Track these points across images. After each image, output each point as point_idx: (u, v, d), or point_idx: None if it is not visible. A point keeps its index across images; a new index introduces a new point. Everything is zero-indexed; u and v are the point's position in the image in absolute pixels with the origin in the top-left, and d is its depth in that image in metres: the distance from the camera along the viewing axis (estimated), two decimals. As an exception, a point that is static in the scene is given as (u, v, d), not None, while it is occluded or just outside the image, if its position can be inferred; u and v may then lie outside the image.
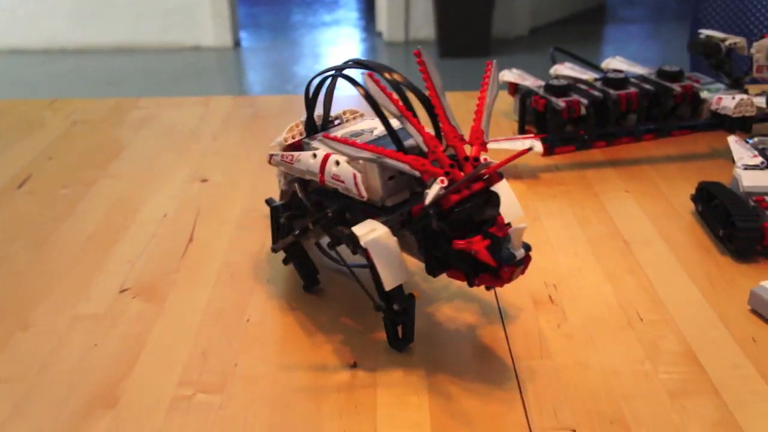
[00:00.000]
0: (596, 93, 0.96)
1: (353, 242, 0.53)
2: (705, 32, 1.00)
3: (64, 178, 0.91)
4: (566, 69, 1.05)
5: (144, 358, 0.59)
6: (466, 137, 0.54)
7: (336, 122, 0.66)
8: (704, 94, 0.97)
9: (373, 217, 0.55)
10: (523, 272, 0.53)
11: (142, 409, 0.54)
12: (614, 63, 1.07)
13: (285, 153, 0.61)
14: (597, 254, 0.73)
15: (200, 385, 0.56)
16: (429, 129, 0.54)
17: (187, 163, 0.95)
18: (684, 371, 0.57)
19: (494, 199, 0.51)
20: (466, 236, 0.50)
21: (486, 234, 0.50)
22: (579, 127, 0.95)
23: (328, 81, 0.61)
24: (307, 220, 0.60)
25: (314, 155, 0.58)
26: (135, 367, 0.58)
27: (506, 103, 1.12)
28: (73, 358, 0.59)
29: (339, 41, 4.34)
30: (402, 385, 0.56)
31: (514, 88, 1.05)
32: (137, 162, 0.96)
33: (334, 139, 0.51)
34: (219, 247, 0.75)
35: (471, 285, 0.53)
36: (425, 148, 0.52)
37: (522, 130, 1.01)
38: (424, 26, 4.13)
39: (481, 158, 0.52)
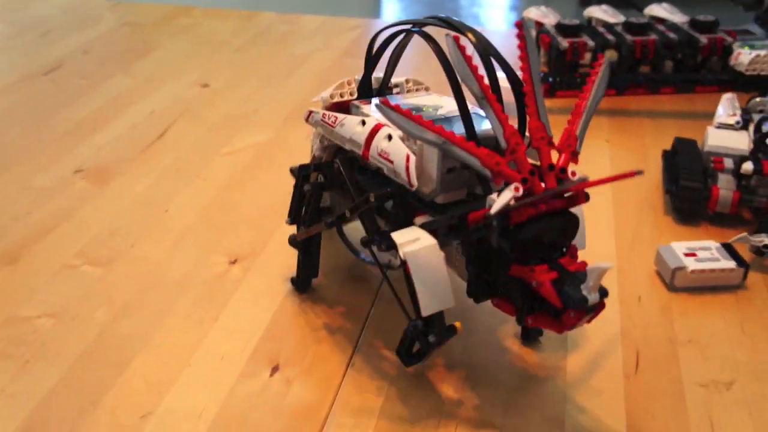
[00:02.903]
0: (610, 37, 0.90)
1: (387, 243, 0.44)
2: (752, -19, 0.90)
3: (87, 71, 0.99)
4: (598, 10, 0.99)
5: (60, 229, 0.65)
6: (556, 140, 0.43)
7: (395, 90, 0.55)
8: (738, 49, 0.88)
9: (419, 213, 0.46)
10: (589, 321, 0.41)
11: (32, 271, 0.60)
12: (657, 9, 1.00)
13: (327, 113, 0.51)
14: (532, 196, 0.70)
15: (91, 258, 0.61)
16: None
17: (199, 70, 1.00)
18: (544, 316, 0.55)
19: (572, 223, 0.42)
20: (528, 261, 0.41)
21: (553, 264, 0.41)
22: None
23: (400, 37, 0.50)
24: (337, 201, 0.53)
25: (363, 122, 0.48)
26: (48, 235, 0.64)
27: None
28: (4, 220, 0.66)
29: (481, -20, 4.23)
30: (263, 284, 0.58)
31: (539, 27, 1.01)
32: (157, 64, 1.02)
33: (396, 108, 0.41)
34: (181, 145, 0.80)
35: (520, 323, 0.44)
36: (504, 144, 0.41)
37: (535, 70, 0.97)
38: (570, -30, 3.93)
39: (569, 170, 0.42)
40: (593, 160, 0.77)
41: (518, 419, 0.46)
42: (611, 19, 0.96)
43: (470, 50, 0.42)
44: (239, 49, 1.08)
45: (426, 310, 0.43)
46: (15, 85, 0.94)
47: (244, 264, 0.61)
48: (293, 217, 0.55)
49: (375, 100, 0.52)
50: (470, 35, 0.44)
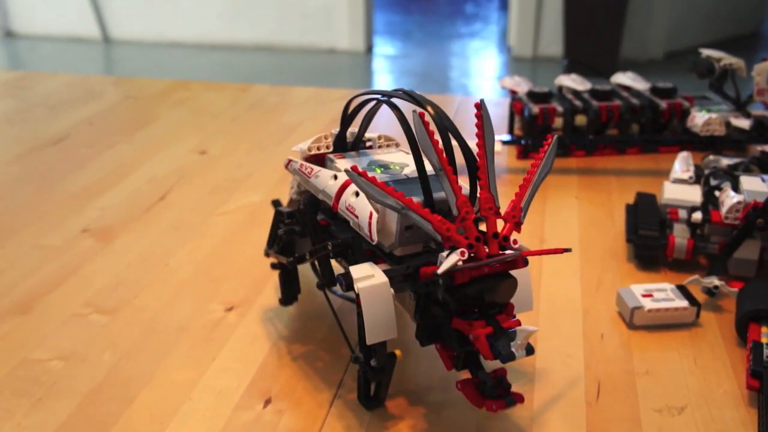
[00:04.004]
0: (577, 102, 0.98)
1: (347, 283, 0.48)
2: (705, 51, 0.99)
3: (92, 140, 1.06)
4: (567, 79, 1.07)
5: (69, 282, 0.71)
6: (503, 210, 0.48)
7: (368, 144, 0.61)
8: (694, 112, 0.96)
9: (378, 261, 0.51)
10: (506, 407, 0.48)
11: (44, 319, 0.65)
12: (622, 78, 1.08)
13: (305, 163, 0.57)
14: (505, 247, 0.76)
15: (99, 307, 0.67)
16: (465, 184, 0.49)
17: (197, 138, 1.07)
18: (514, 353, 0.60)
19: (511, 285, 0.47)
20: (469, 315, 0.46)
21: (490, 320, 0.46)
22: (566, 135, 0.98)
23: (372, 103, 0.56)
24: (305, 242, 0.58)
25: (335, 177, 0.53)
26: (59, 288, 0.70)
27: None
28: (17, 275, 0.72)
29: (468, 54, 4.40)
30: (257, 329, 0.63)
31: (513, 94, 1.09)
32: (157, 133, 1.09)
33: (363, 175, 0.45)
34: (181, 207, 0.86)
35: (458, 369, 0.49)
36: (456, 212, 0.46)
37: (510, 133, 1.05)
38: (553, 43, 4.10)
39: (511, 239, 0.46)
40: (559, 215, 0.83)
41: (489, 442, 0.51)
42: (579, 87, 1.04)
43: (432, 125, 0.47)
44: (234, 119, 1.15)
45: (370, 340, 0.48)
46: (26, 154, 1.01)
47: (240, 311, 0.66)
48: (270, 247, 0.63)
49: (346, 161, 0.57)
50: (430, 109, 0.48)
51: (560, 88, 1.09)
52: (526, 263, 0.47)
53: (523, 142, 0.97)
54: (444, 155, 0.47)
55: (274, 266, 0.65)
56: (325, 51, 4.35)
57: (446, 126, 0.48)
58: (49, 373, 0.58)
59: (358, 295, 0.47)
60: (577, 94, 1.02)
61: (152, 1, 4.24)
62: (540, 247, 0.76)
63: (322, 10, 4.26)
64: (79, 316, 0.65)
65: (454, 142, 0.49)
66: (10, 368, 0.58)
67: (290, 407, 0.54)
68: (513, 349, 0.45)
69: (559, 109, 0.97)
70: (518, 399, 0.48)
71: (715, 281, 0.65)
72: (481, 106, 0.48)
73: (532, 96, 0.99)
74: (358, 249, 0.52)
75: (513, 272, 0.47)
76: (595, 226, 0.81)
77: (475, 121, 0.48)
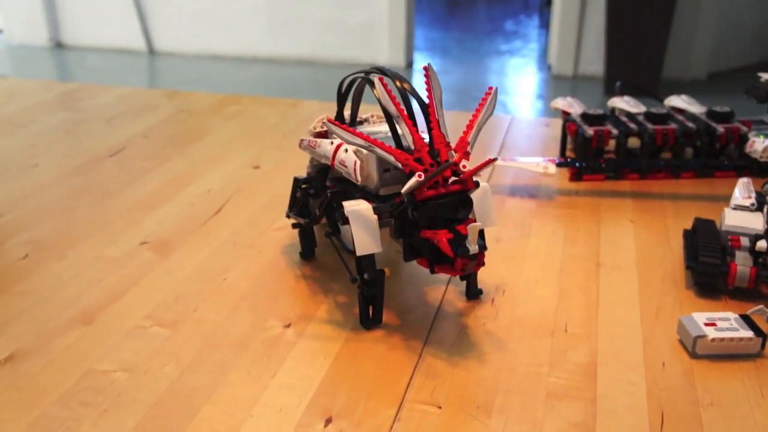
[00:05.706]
0: (632, 125, 0.97)
1: (341, 213, 0.61)
2: (765, 75, 0.97)
3: (148, 153, 1.08)
4: (621, 101, 1.07)
5: (130, 294, 0.72)
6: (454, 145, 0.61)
7: (365, 123, 0.74)
8: (753, 138, 0.95)
9: (369, 202, 0.63)
10: (477, 267, 0.59)
11: (107, 331, 0.66)
12: (676, 101, 1.07)
13: (311, 139, 0.70)
14: (562, 271, 0.76)
15: (159, 320, 0.68)
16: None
17: (250, 152, 1.08)
18: (574, 379, 0.60)
19: (467, 202, 0.59)
20: (434, 227, 0.58)
21: (451, 229, 0.58)
22: (620, 157, 0.97)
23: (358, 81, 0.69)
24: (317, 203, 0.69)
25: (332, 143, 0.66)
26: (120, 300, 0.71)
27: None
28: (80, 286, 0.73)
29: (507, 71, 4.39)
30: (316, 345, 0.64)
31: (565, 116, 1.08)
32: (211, 147, 1.10)
33: (336, 124, 0.59)
34: (237, 220, 0.87)
35: (432, 272, 0.61)
36: (412, 147, 0.60)
37: (562, 155, 1.04)
38: (594, 62, 4.08)
39: (461, 165, 0.59)
40: (614, 238, 0.83)
41: (552, 469, 0.50)
42: (633, 110, 1.03)
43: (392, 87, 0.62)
44: (286, 134, 1.16)
45: (359, 251, 0.61)
46: (85, 165, 1.03)
47: (298, 328, 0.66)
48: (290, 210, 0.77)
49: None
50: (397, 81, 0.62)
51: (613, 110, 1.08)
52: (477, 185, 0.60)
53: (576, 164, 0.96)
54: (401, 106, 0.60)
55: (294, 225, 0.76)
56: (365, 65, 4.37)
57: (405, 88, 0.61)
58: (114, 384, 0.59)
59: (347, 217, 0.60)
60: (631, 116, 1.02)
61: (196, 15, 4.31)
62: (596, 270, 0.76)
63: (364, 25, 4.30)
64: (141, 328, 0.66)
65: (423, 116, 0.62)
66: (77, 378, 0.60)
67: (351, 427, 0.54)
68: (468, 246, 0.57)
69: (614, 131, 0.96)
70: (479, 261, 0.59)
71: (780, 312, 0.64)
72: (429, 69, 0.62)
73: (586, 118, 0.99)
74: (354, 196, 0.66)
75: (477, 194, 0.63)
76: (652, 252, 0.80)
77: (425, 80, 0.62)
